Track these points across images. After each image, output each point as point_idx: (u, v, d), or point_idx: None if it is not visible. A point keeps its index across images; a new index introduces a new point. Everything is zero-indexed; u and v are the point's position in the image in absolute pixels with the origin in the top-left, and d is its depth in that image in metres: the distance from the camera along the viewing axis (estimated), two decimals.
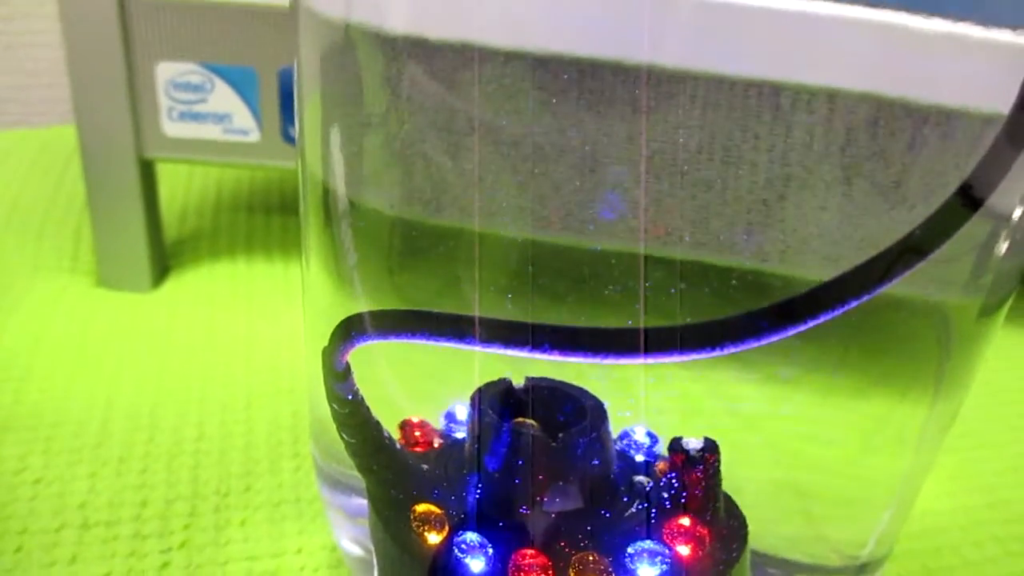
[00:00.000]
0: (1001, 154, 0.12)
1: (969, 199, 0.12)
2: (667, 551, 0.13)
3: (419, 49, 0.14)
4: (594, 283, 0.15)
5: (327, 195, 0.16)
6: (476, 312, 0.13)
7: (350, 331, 0.13)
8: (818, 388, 0.16)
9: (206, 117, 0.25)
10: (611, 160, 0.15)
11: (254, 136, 0.25)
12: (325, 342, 0.15)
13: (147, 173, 0.27)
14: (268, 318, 0.27)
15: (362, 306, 0.16)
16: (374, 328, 0.13)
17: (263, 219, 0.31)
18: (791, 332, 0.12)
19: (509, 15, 0.14)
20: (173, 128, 0.25)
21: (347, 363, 0.14)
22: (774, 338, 0.12)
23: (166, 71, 0.25)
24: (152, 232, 0.28)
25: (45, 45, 0.43)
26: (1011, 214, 0.14)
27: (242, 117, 0.25)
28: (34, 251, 0.29)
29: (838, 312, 0.12)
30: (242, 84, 0.25)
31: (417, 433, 0.15)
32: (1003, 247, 0.15)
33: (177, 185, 0.32)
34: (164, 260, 0.29)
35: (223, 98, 0.25)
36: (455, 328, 0.12)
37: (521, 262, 0.16)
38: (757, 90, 0.14)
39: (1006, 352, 0.28)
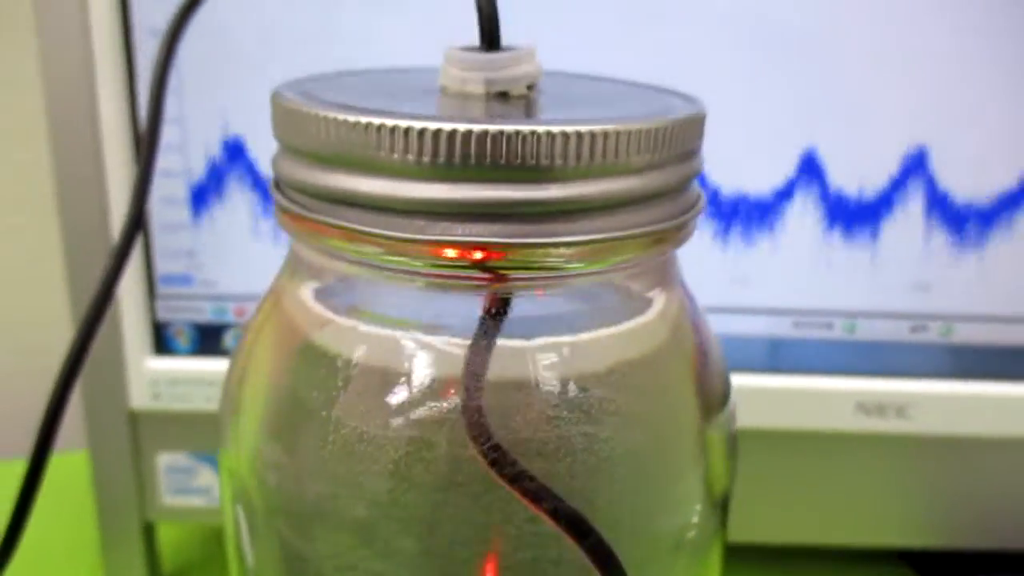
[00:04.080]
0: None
1: None
2: None
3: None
4: None
5: None
6: None
7: None
8: None
9: (194, 490, 0.33)
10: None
11: None
12: None
13: (149, 528, 0.34)
14: None
15: None
16: None
17: None
18: None
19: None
20: (169, 499, 0.33)
21: None
22: None
23: (164, 459, 0.33)
24: (152, 569, 0.35)
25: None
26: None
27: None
28: None
29: None
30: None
31: None
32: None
33: (173, 524, 0.40)
34: None
35: (206, 476, 0.33)
36: None
37: None
38: None
39: None
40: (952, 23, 0.29)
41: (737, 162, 0.30)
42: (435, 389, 0.17)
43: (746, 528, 0.34)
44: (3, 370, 0.49)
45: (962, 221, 0.31)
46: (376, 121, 0.15)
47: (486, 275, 0.16)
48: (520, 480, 0.17)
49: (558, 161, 0.15)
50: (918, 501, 0.34)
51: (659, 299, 0.19)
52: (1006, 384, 0.32)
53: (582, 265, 0.16)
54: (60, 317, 0.43)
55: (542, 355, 0.17)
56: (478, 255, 0.15)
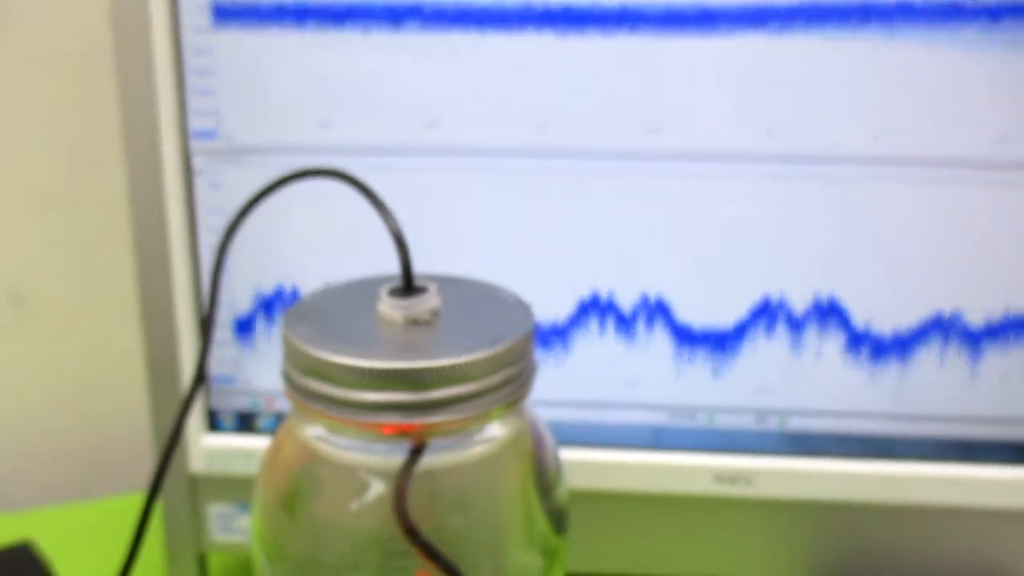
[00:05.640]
0: None
1: None
2: None
3: None
4: None
5: None
6: None
7: None
8: None
9: (235, 530, 0.45)
10: None
11: None
12: None
13: (202, 557, 0.47)
14: None
15: None
16: None
17: None
18: None
19: None
20: (217, 536, 0.46)
21: None
22: None
23: (214, 508, 0.45)
24: None
25: (135, 409, 0.64)
26: None
27: None
28: None
29: None
30: None
31: None
32: None
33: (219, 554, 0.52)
34: None
35: (243, 520, 0.45)
36: None
37: None
38: None
39: None
40: (778, 204, 0.40)
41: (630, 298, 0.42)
42: (378, 496, 0.29)
43: (637, 563, 0.46)
44: (73, 428, 0.62)
45: (793, 342, 0.42)
46: (331, 358, 0.27)
47: (406, 438, 0.28)
48: (425, 548, 0.29)
49: (431, 379, 0.27)
50: (764, 546, 0.45)
51: (508, 425, 0.30)
52: (827, 460, 0.43)
53: (463, 429, 0.28)
54: (128, 392, 0.55)
55: (435, 468, 0.29)
56: (401, 427, 0.27)
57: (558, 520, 0.32)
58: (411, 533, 0.28)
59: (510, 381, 0.29)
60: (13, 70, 0.56)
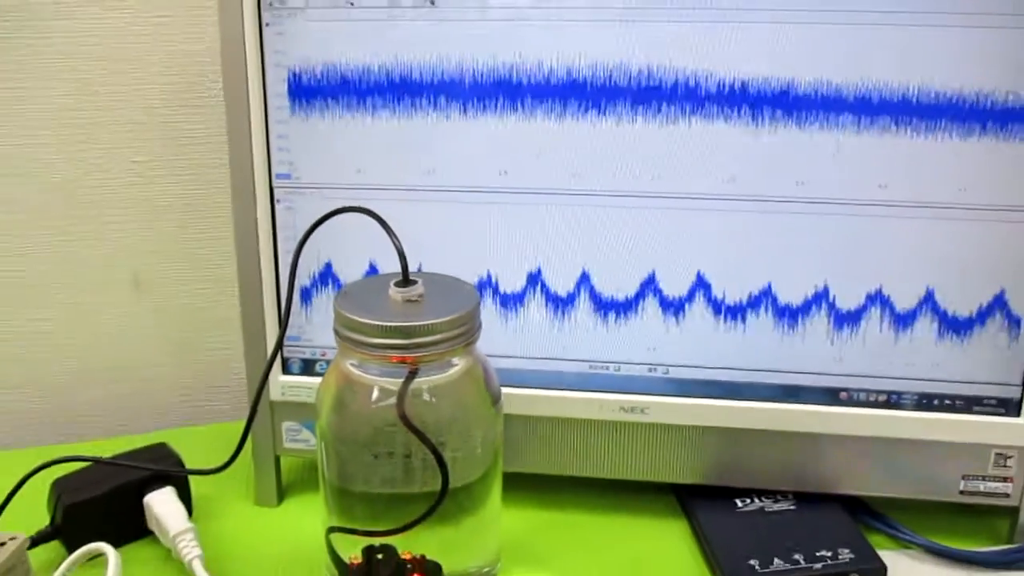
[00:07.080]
0: None
1: None
2: None
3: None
4: None
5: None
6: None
7: None
8: None
9: (300, 440, 0.67)
10: None
11: None
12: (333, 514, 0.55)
13: (277, 459, 0.68)
14: None
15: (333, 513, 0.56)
16: None
17: None
18: None
19: None
20: (288, 444, 0.68)
21: None
22: None
23: (286, 424, 0.67)
24: (278, 479, 0.69)
25: (225, 360, 0.85)
26: None
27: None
28: (225, 490, 0.70)
29: None
30: (314, 427, 0.66)
31: None
32: None
33: (289, 457, 0.74)
34: (282, 491, 0.70)
35: (306, 434, 0.67)
36: None
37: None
38: None
39: None
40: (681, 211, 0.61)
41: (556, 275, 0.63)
42: (390, 401, 0.50)
43: (567, 467, 0.67)
44: (179, 376, 0.85)
45: (674, 311, 0.63)
46: (361, 320, 0.48)
47: (406, 365, 0.49)
48: (415, 430, 0.50)
49: (419, 332, 0.48)
50: (654, 456, 0.66)
51: (467, 357, 0.52)
52: (697, 399, 0.64)
53: (438, 360, 0.49)
54: (220, 349, 0.76)
55: (422, 384, 0.50)
56: (401, 358, 0.49)
57: (497, 409, 0.54)
58: (407, 422, 0.50)
59: (464, 333, 0.50)
60: (135, 115, 0.78)
